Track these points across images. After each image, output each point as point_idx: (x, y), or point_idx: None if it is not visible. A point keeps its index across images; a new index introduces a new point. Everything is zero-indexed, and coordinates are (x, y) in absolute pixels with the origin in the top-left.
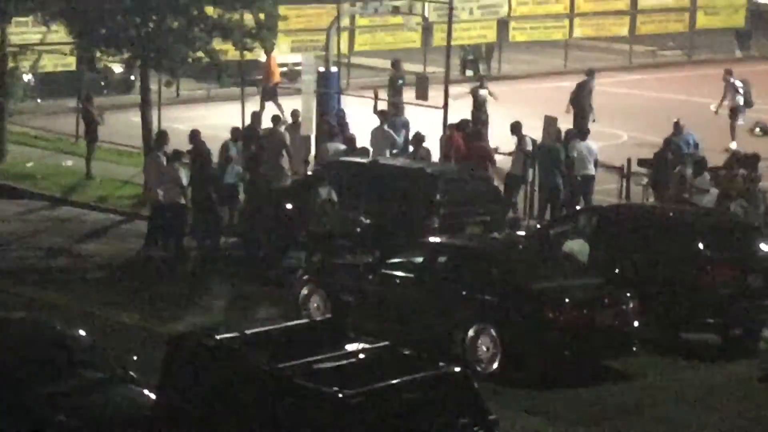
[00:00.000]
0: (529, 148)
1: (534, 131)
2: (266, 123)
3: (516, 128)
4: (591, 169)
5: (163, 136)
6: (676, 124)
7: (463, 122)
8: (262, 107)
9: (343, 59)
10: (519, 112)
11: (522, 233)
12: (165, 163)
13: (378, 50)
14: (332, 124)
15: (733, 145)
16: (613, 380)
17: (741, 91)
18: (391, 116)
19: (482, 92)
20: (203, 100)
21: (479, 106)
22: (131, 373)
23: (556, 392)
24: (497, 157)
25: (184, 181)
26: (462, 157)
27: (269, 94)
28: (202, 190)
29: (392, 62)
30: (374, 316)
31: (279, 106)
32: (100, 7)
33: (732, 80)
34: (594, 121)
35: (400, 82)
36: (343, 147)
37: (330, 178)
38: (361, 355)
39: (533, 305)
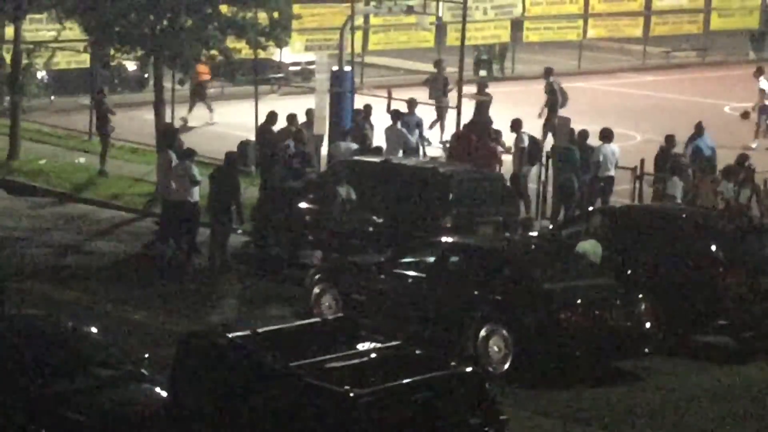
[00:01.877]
0: (525, 144)
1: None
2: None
3: (515, 125)
4: (612, 171)
5: (173, 133)
6: (699, 126)
7: (475, 122)
8: (192, 106)
9: (356, 58)
10: (532, 113)
11: (535, 233)
12: (175, 160)
13: (391, 49)
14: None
15: (754, 144)
16: (625, 382)
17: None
18: (405, 115)
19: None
20: (217, 98)
21: (480, 111)
22: (143, 370)
23: (567, 393)
24: (508, 158)
25: (197, 178)
26: (477, 156)
27: (198, 92)
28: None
29: (435, 62)
30: (386, 316)
31: (209, 105)
32: (114, 4)
33: (761, 78)
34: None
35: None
36: (355, 146)
37: (343, 176)
38: (373, 355)
39: (545, 306)
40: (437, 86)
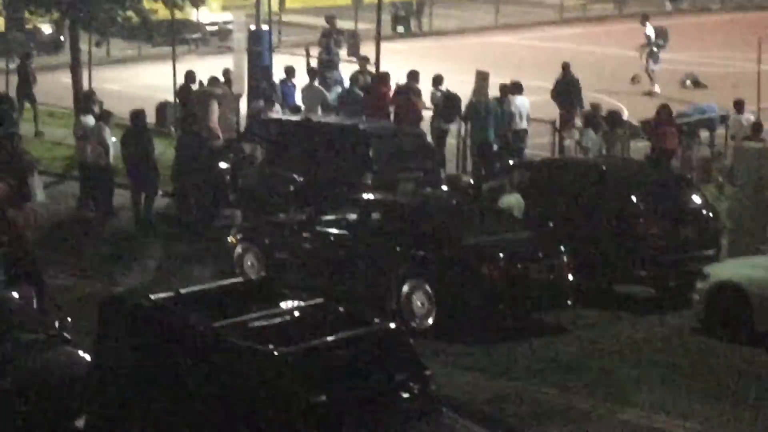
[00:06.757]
0: (437, 101)
1: (464, 85)
2: None
3: (435, 81)
4: (524, 124)
5: (89, 96)
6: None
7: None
8: None
9: (274, 17)
10: (449, 68)
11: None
12: (92, 123)
13: (309, 8)
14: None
15: (657, 88)
16: (549, 334)
17: (654, 37)
18: (323, 73)
19: None
20: (134, 60)
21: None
22: (66, 334)
23: (492, 347)
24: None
25: (109, 141)
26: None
27: None
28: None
29: (326, 18)
30: (309, 274)
31: None
32: None
33: (647, 25)
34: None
35: (335, 37)
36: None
37: (262, 135)
38: (296, 313)
39: (467, 260)
40: (330, 42)
